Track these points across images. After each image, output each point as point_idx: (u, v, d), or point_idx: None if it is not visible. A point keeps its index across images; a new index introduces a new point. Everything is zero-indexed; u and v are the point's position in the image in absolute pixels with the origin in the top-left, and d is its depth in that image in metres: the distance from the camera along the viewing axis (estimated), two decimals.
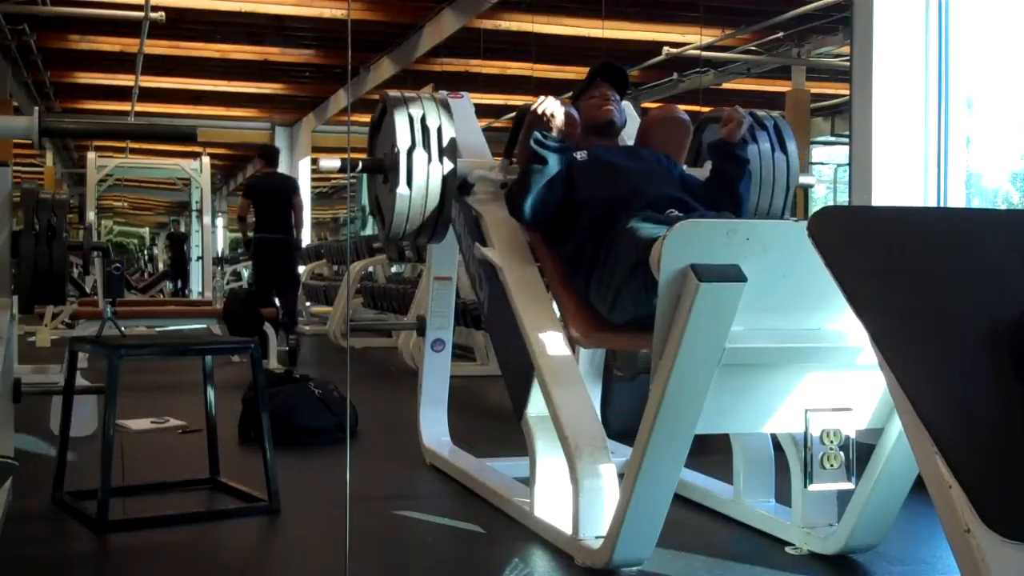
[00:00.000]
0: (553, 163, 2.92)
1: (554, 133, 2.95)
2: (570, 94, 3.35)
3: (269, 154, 8.04)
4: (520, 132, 3.21)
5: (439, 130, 3.14)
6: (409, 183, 3.12)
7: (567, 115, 2.99)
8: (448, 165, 3.14)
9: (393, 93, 3.29)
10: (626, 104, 3.37)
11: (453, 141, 3.15)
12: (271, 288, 7.52)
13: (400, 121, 3.14)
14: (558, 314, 2.90)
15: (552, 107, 2.95)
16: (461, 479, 3.35)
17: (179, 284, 15.93)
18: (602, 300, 2.70)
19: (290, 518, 2.94)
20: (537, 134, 2.95)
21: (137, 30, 8.80)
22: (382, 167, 3.28)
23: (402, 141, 3.12)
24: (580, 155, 3.01)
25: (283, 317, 7.41)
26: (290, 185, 7.98)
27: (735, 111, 3.03)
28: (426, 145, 3.13)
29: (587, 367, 3.52)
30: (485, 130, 3.63)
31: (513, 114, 13.59)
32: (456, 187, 3.19)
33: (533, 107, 3.00)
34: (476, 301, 3.57)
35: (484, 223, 3.16)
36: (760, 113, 3.45)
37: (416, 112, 3.15)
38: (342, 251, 10.69)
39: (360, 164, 3.40)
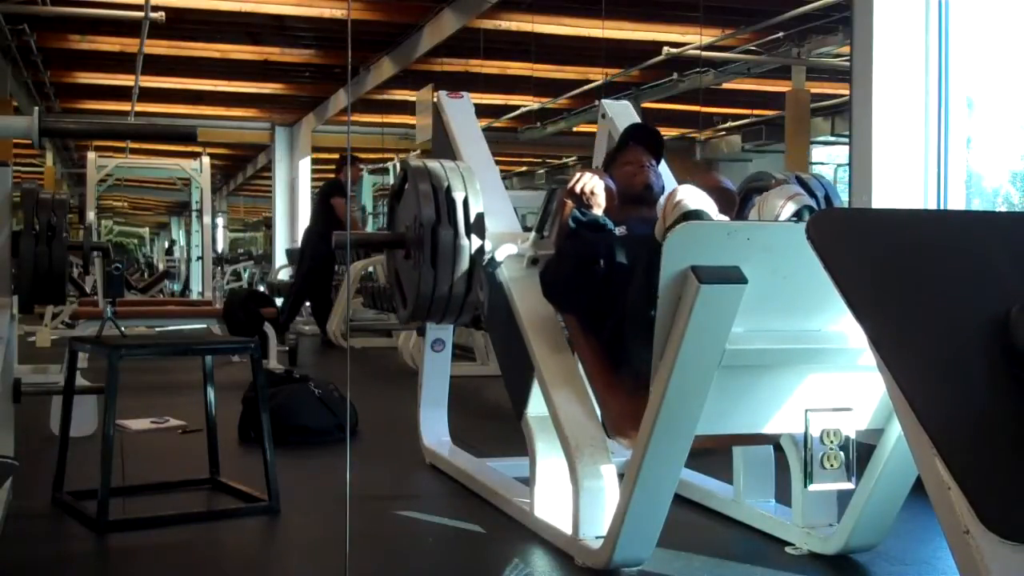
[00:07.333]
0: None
1: (594, 210, 2.82)
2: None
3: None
4: (553, 207, 3.03)
5: (465, 202, 2.99)
6: (434, 263, 2.94)
7: (605, 189, 2.86)
8: (476, 242, 2.97)
9: (415, 162, 3.12)
10: (663, 168, 3.21)
11: (481, 217, 2.98)
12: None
13: (423, 194, 2.96)
14: (597, 410, 2.63)
15: (591, 184, 2.82)
16: (461, 479, 3.35)
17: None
18: (640, 334, 2.36)
19: (290, 518, 2.95)
20: (576, 212, 2.80)
21: (137, 30, 8.78)
22: (404, 242, 3.11)
23: (426, 218, 2.94)
24: (619, 230, 2.86)
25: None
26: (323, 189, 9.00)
27: (786, 186, 2.95)
28: (452, 220, 2.96)
29: None
30: (485, 130, 3.60)
31: (514, 114, 13.35)
32: (484, 264, 3.02)
33: (570, 185, 2.86)
34: (476, 301, 3.55)
35: (514, 305, 2.91)
36: (805, 176, 3.28)
37: (440, 184, 2.99)
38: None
39: (380, 240, 3.25)
